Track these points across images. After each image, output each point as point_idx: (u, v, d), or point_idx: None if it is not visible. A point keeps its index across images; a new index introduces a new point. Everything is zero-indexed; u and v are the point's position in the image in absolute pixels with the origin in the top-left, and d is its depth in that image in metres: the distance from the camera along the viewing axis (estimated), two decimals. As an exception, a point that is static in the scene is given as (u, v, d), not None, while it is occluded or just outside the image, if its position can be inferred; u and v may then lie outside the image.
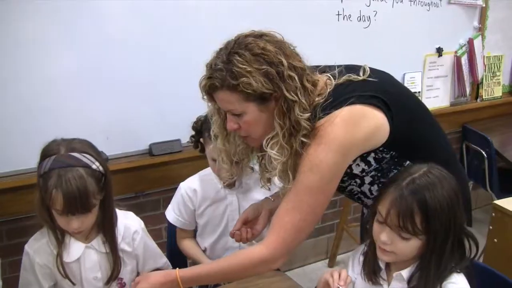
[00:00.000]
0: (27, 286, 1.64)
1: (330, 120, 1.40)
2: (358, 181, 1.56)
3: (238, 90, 1.38)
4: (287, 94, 1.38)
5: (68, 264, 1.63)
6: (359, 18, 2.96)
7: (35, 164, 2.17)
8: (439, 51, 3.35)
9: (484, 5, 3.44)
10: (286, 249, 1.48)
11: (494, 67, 3.71)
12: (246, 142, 1.58)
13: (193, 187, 2.01)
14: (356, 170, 1.53)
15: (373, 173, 1.53)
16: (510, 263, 1.92)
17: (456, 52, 3.44)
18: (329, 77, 1.48)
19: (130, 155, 2.40)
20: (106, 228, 1.66)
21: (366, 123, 1.42)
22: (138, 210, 2.20)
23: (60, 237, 1.61)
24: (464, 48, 3.46)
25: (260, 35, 1.43)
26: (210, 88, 1.43)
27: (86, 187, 1.49)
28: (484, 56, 3.61)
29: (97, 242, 1.67)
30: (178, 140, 2.50)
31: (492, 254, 2.06)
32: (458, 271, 1.37)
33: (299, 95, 1.39)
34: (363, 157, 1.49)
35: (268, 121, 1.45)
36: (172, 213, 2.05)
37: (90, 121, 2.22)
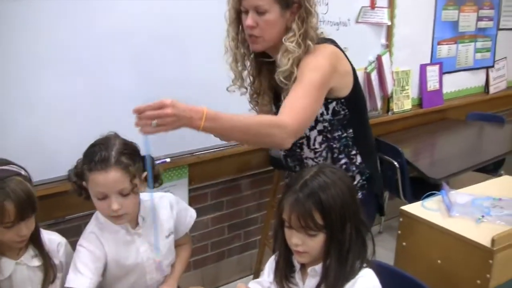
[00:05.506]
0: None
1: (322, 44, 1.79)
2: (312, 123, 1.83)
3: None
4: (307, 5, 1.73)
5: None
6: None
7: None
8: (350, 68, 3.46)
9: (390, 23, 3.61)
10: (298, 127, 1.67)
11: (403, 81, 3.89)
12: (253, 45, 1.80)
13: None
14: None
15: (326, 123, 1.86)
16: (417, 264, 2.01)
17: (366, 68, 3.55)
18: None
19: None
20: (36, 237, 1.67)
21: (343, 56, 1.84)
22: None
23: None
24: (373, 65, 3.59)
25: None
26: None
27: None
28: (393, 71, 3.78)
29: (27, 257, 1.67)
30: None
31: (402, 257, 2.13)
32: (365, 266, 1.47)
33: (316, 10, 1.76)
34: (325, 102, 1.79)
35: (281, 27, 1.75)
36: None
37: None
